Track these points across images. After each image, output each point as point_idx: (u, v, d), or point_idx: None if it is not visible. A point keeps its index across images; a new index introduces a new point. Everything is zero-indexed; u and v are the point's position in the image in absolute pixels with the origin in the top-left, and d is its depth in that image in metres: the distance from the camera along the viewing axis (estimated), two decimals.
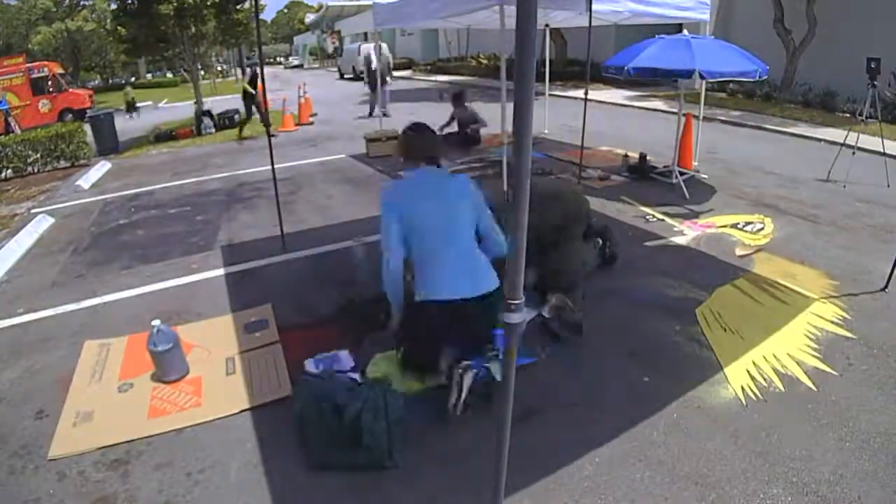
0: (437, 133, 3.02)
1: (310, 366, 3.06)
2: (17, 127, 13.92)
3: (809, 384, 2.76)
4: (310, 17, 57.62)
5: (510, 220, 1.29)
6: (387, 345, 3.06)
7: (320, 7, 52.83)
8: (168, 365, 3.05)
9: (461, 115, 8.50)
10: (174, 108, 19.41)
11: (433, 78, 24.24)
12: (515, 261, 1.34)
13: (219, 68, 36.20)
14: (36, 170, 9.46)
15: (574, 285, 3.59)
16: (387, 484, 2.28)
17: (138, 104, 18.23)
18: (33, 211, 6.94)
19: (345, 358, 3.11)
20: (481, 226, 2.68)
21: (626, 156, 6.92)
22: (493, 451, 1.55)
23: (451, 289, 2.53)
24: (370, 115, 12.40)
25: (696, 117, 7.16)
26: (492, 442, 1.55)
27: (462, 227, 2.60)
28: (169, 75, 36.16)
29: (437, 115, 8.57)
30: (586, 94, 6.54)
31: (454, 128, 8.48)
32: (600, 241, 4.10)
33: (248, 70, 12.29)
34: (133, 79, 33.73)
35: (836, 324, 3.29)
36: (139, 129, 13.70)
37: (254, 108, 11.14)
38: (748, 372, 2.88)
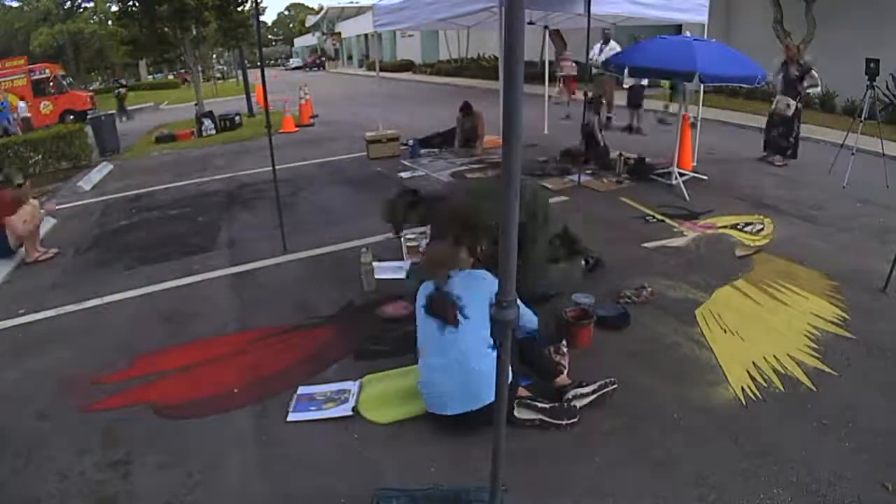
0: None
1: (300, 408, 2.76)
2: (17, 128, 13.93)
3: (809, 385, 2.76)
4: (311, 20, 57.68)
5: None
6: (378, 361, 3.08)
7: (321, 9, 52.93)
8: None
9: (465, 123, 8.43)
10: (175, 110, 19.44)
11: (433, 80, 24.26)
12: (506, 262, 1.35)
13: (218, 71, 36.24)
14: (37, 171, 9.46)
15: (543, 297, 3.41)
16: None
17: (138, 106, 18.19)
18: None
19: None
20: None
21: (621, 155, 6.91)
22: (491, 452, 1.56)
23: None
24: None
25: (696, 117, 7.17)
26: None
27: None
28: (170, 77, 36.22)
29: (435, 118, 8.55)
30: (586, 95, 6.57)
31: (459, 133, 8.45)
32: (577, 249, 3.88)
33: None
34: (129, 80, 33.53)
35: (836, 324, 3.29)
36: (139, 132, 13.73)
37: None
38: (748, 372, 2.88)
